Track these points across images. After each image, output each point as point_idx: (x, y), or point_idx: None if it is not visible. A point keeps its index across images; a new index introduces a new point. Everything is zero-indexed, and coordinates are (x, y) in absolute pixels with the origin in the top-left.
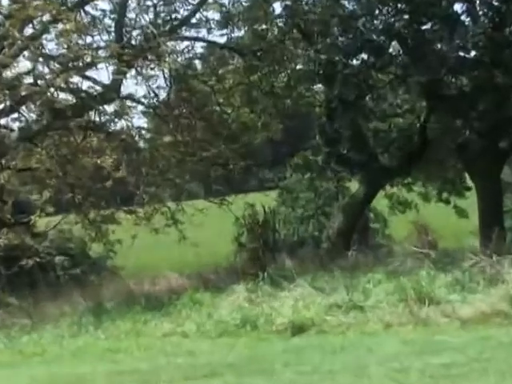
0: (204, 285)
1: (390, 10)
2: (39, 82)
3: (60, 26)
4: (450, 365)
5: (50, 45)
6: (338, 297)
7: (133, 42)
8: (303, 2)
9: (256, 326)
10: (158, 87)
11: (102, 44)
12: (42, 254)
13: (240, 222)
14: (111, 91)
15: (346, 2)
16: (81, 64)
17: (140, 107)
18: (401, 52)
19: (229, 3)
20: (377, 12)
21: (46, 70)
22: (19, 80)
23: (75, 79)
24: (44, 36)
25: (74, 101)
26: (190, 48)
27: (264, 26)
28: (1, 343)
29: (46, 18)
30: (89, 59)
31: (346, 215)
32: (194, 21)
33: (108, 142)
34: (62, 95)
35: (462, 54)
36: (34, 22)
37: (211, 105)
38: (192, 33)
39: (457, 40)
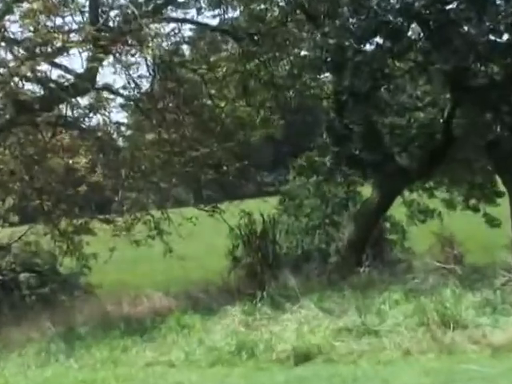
0: (193, 306)
1: None
2: (1, 70)
3: (25, 5)
4: None
5: (14, 27)
6: (349, 320)
7: (110, 24)
8: None
9: (253, 353)
10: (139, 76)
11: (75, 26)
12: (5, 271)
13: (235, 232)
14: (85, 81)
15: None
16: (50, 49)
17: (119, 100)
18: (421, 36)
19: None
20: None
21: (10, 56)
22: None
23: (43, 67)
24: (7, 17)
25: (42, 92)
26: (176, 31)
27: (263, 6)
28: None
29: None
30: (59, 44)
31: (358, 225)
32: None
33: (81, 139)
34: (27, 86)
35: (492, 37)
36: None
37: (201, 97)
38: (179, 13)
39: (487, 22)
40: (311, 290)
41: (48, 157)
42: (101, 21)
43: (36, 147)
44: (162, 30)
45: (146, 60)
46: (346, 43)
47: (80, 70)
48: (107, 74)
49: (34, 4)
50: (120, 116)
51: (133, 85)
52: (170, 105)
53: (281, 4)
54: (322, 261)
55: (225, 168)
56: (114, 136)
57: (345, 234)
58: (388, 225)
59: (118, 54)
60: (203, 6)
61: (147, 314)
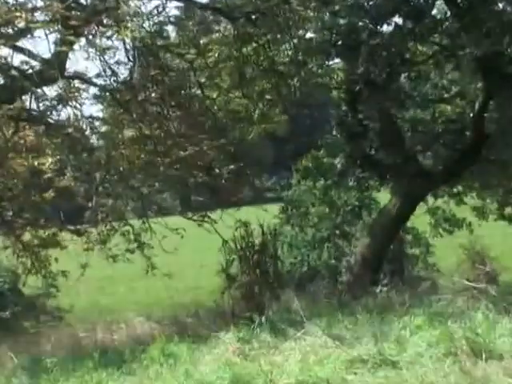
0: (180, 332)
1: None
2: None
3: None
4: None
5: None
6: (363, 349)
7: (82, 1)
8: None
9: None
10: (116, 63)
11: (40, 3)
12: None
13: (229, 246)
14: (53, 68)
15: None
16: (11, 31)
17: (92, 90)
18: (448, 15)
19: None
20: None
21: None
22: None
23: (3, 51)
24: None
25: (2, 81)
26: (160, 9)
27: None
28: None
29: None
30: (22, 24)
31: (374, 237)
32: None
33: (48, 136)
34: None
35: None
36: None
37: (190, 87)
38: None
39: None
40: (318, 314)
41: (9, 157)
42: None
43: None
44: (143, 8)
45: (124, 43)
46: (360, 24)
47: (47, 55)
48: (79, 60)
49: None
50: (94, 109)
51: (109, 72)
52: (153, 96)
53: None
54: (332, 279)
55: (217, 170)
56: (87, 133)
57: (358, 247)
58: (409, 237)
59: (91, 37)
60: None
61: (126, 342)
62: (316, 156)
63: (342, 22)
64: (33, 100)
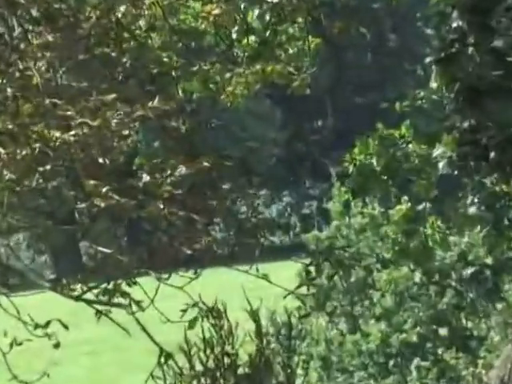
0: None
1: None
2: None
3: None
4: None
5: None
6: None
7: None
8: None
9: None
10: None
11: None
12: None
13: (175, 365)
14: None
15: None
16: None
17: None
18: None
19: None
20: None
21: None
22: None
23: None
24: None
25: None
26: None
27: None
28: None
29: None
30: None
31: None
32: None
33: None
34: None
35: None
36: None
37: None
38: None
39: None
40: None
41: None
42: None
43: None
44: None
45: None
46: None
47: None
48: None
49: None
50: None
51: None
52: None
53: None
54: None
55: (147, 178)
56: None
57: (495, 368)
58: None
59: None
60: None
61: None
62: (387, 137)
63: None
64: None
